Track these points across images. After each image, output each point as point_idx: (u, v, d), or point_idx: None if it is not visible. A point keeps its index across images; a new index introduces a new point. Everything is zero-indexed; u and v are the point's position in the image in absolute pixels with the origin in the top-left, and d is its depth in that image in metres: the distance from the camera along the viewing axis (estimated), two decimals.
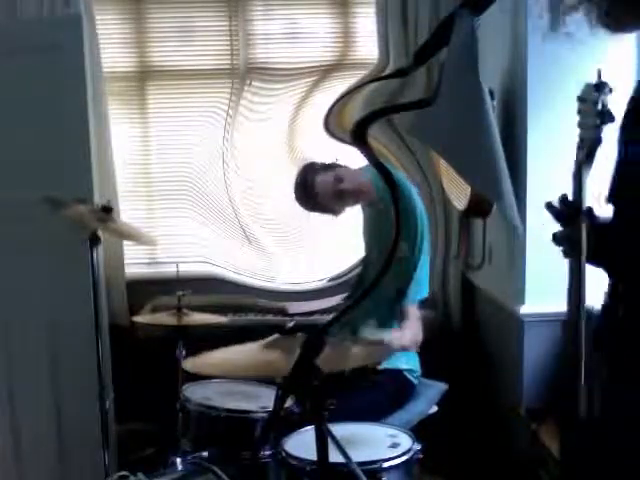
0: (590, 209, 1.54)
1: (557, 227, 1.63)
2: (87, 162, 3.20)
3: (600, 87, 1.52)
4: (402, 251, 2.72)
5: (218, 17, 3.73)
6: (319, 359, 1.37)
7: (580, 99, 1.56)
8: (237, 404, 2.47)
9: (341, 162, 2.86)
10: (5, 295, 3.20)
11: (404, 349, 2.68)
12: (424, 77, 3.49)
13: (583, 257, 1.52)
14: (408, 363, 2.77)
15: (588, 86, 1.54)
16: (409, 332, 2.68)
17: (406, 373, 2.75)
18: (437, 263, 3.67)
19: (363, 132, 1.14)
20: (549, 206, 1.60)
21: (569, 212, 1.55)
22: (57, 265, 3.16)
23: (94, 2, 3.54)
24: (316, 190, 2.77)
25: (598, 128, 1.52)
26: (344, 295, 3.31)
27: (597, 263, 1.57)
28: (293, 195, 2.88)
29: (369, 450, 2.08)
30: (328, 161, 2.86)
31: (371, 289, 1.29)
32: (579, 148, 1.56)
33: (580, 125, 1.56)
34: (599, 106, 1.52)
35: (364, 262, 3.10)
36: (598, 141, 1.53)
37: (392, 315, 2.75)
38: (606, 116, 1.52)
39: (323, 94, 3.77)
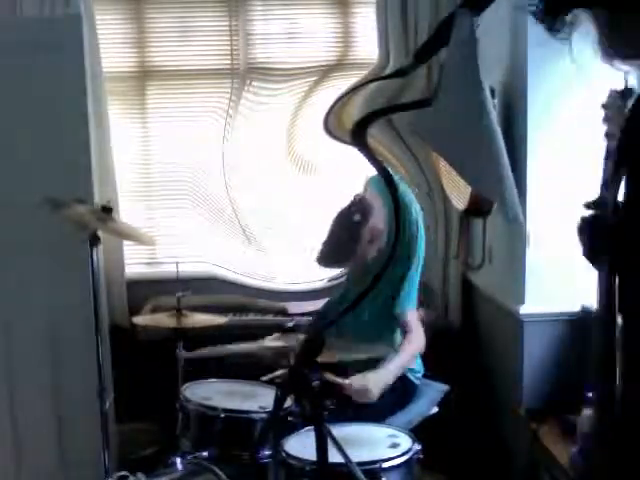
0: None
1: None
2: (87, 162, 3.20)
3: (626, 94, 1.40)
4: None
5: (218, 17, 3.73)
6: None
7: (605, 107, 1.42)
8: (237, 404, 2.47)
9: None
10: (5, 295, 3.20)
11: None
12: (424, 77, 3.49)
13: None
14: None
15: (613, 93, 1.41)
16: (414, 345, 2.68)
17: (408, 373, 2.75)
18: (437, 263, 3.67)
19: (363, 132, 1.14)
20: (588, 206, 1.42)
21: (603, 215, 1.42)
22: (57, 265, 3.15)
23: (94, 2, 3.55)
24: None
25: None
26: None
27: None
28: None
29: (369, 450, 2.08)
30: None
31: (370, 289, 1.29)
32: (606, 159, 1.40)
33: (606, 135, 1.41)
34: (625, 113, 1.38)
35: (347, 279, 3.07)
36: None
37: (390, 324, 2.74)
38: None
39: (323, 94, 3.77)
